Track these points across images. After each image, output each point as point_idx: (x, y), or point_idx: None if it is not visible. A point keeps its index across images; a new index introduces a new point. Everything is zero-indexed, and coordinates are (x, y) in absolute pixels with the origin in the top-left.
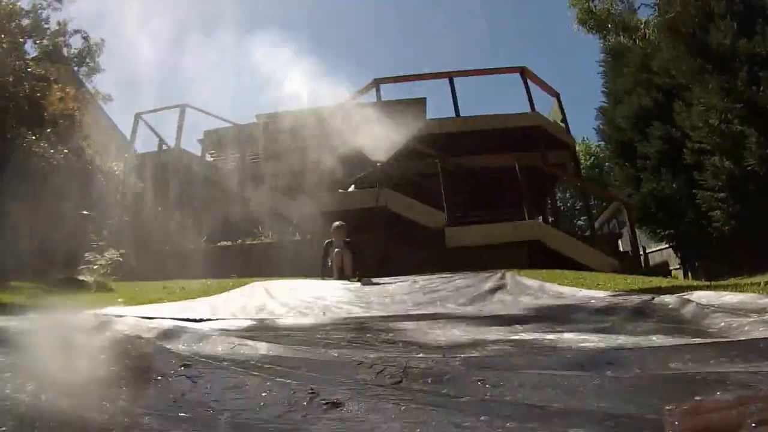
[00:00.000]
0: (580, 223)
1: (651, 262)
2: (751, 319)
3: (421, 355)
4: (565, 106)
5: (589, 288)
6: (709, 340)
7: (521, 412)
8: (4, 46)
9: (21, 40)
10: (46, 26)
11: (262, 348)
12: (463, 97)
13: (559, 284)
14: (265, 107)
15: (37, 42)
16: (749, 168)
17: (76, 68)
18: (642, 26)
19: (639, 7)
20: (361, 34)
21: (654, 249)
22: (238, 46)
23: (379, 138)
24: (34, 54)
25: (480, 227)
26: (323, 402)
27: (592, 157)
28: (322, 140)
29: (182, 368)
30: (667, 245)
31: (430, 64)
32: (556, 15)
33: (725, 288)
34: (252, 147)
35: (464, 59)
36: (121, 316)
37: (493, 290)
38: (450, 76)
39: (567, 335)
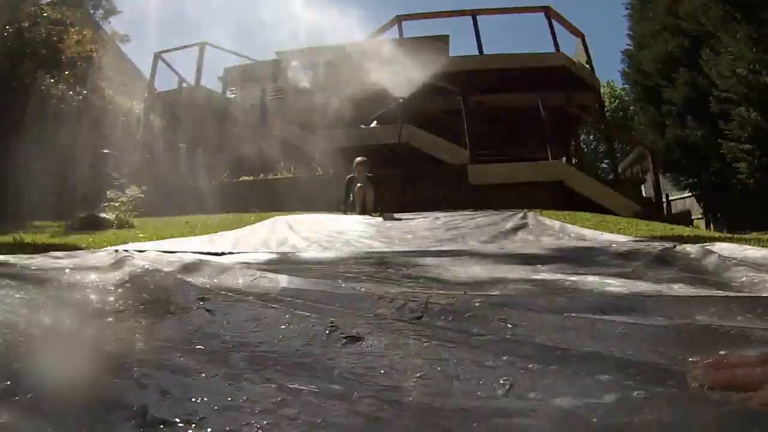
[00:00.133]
0: (603, 166)
1: (673, 210)
2: None
3: (442, 291)
4: (590, 48)
5: (611, 232)
6: (732, 294)
7: (543, 354)
8: None
9: None
10: None
11: (283, 281)
12: (486, 40)
13: (580, 226)
14: (286, 44)
15: None
16: None
17: (92, 11)
18: None
19: None
20: None
21: (677, 197)
22: None
23: (401, 75)
24: None
25: (503, 165)
26: (343, 336)
27: (617, 101)
28: (343, 76)
29: (201, 301)
30: (690, 194)
31: (453, 2)
32: None
33: (748, 241)
34: (273, 83)
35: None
36: (142, 251)
37: (515, 229)
38: (473, 13)
39: (589, 278)
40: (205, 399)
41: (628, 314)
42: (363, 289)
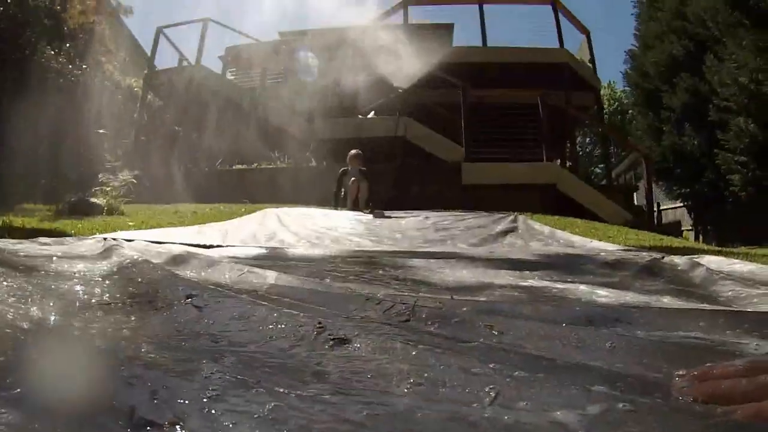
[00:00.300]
0: (597, 170)
1: (663, 220)
2: (760, 291)
3: (429, 295)
4: (594, 47)
5: (600, 239)
6: (720, 308)
7: (530, 363)
8: None
9: None
10: None
11: (271, 277)
12: (489, 33)
13: (570, 233)
14: (289, 24)
15: None
16: None
17: None
18: None
19: None
20: None
21: (668, 206)
22: None
23: (403, 63)
24: None
25: (497, 165)
26: (330, 337)
27: (616, 103)
28: (345, 61)
29: (189, 296)
30: (681, 204)
31: None
32: None
33: (736, 255)
34: (273, 65)
35: None
36: (130, 241)
37: (504, 233)
38: (480, 2)
39: (576, 286)
40: (192, 400)
41: (615, 325)
42: (351, 290)
